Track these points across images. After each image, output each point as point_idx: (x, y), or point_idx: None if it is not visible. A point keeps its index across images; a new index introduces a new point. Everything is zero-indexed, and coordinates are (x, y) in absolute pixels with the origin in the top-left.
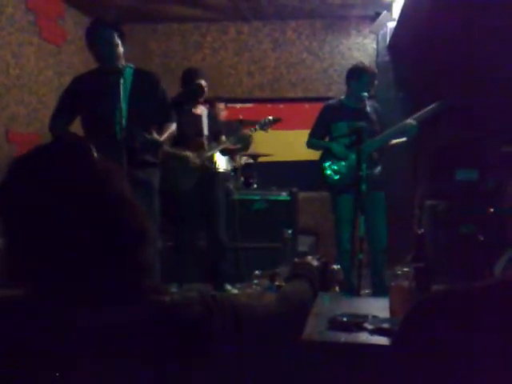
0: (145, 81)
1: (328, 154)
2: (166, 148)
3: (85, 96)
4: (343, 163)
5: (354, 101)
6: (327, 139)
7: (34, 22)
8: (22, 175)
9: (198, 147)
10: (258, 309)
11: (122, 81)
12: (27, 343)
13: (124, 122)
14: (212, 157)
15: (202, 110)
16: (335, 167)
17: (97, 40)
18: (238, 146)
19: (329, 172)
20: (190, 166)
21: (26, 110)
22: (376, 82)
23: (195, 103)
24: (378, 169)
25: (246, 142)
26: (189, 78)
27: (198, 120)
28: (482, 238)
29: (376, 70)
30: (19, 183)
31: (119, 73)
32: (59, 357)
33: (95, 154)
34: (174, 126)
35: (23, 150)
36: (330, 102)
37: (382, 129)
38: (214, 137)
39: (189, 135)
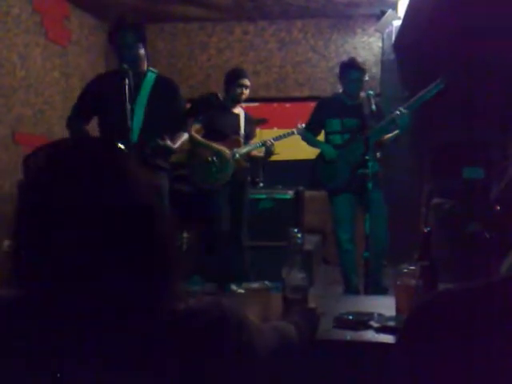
0: (165, 87)
1: (320, 156)
2: (201, 139)
3: (100, 97)
4: (334, 165)
5: (348, 97)
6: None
7: (40, 22)
8: (55, 174)
9: (235, 144)
10: (266, 333)
11: (126, 82)
12: (37, 341)
13: (139, 125)
14: (246, 154)
15: (239, 111)
16: (327, 170)
17: (118, 42)
18: (262, 154)
19: (322, 175)
20: (223, 160)
21: (32, 111)
22: (366, 78)
23: (235, 104)
24: (374, 167)
25: (270, 153)
26: (231, 78)
27: (236, 119)
28: (488, 237)
29: (365, 66)
30: (51, 181)
31: (124, 75)
32: (63, 358)
33: (129, 159)
34: (186, 136)
35: (29, 152)
36: (326, 96)
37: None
38: (247, 138)
39: (227, 132)
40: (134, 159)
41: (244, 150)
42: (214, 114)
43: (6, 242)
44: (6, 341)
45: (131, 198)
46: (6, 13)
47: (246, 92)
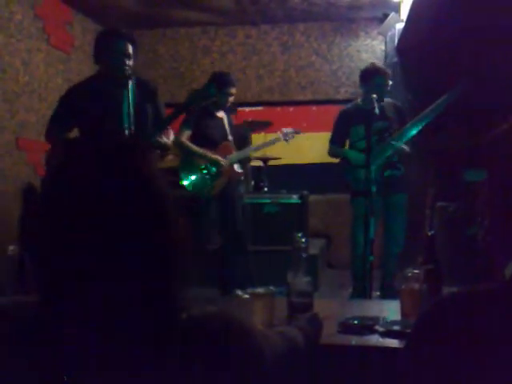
0: (145, 90)
1: (348, 162)
2: (195, 147)
3: (88, 105)
4: (362, 168)
5: (370, 103)
6: (347, 144)
7: (42, 28)
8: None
9: (227, 150)
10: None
11: (125, 92)
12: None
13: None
14: (240, 160)
15: (222, 115)
16: (356, 173)
17: (109, 50)
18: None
19: (351, 178)
20: (219, 169)
21: (35, 117)
22: (390, 83)
23: (219, 109)
24: (399, 169)
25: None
26: (218, 85)
27: (222, 123)
28: (492, 240)
29: (389, 71)
30: (69, 181)
31: (125, 85)
32: (67, 363)
33: (154, 164)
34: (172, 134)
35: (33, 157)
36: (346, 107)
37: (402, 126)
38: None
39: (216, 138)
40: (154, 162)
41: (236, 156)
42: (200, 119)
43: (11, 247)
44: (12, 345)
45: (151, 203)
46: (9, 19)
47: (231, 99)
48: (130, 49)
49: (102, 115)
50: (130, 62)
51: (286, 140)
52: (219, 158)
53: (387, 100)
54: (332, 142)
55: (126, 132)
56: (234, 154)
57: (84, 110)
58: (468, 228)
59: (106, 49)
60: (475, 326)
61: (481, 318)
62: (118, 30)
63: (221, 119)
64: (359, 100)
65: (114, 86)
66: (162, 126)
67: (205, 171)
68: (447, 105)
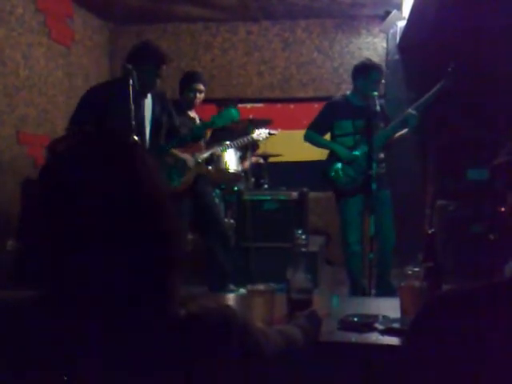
0: (162, 101)
1: (334, 157)
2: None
3: (108, 108)
4: (350, 166)
5: (361, 98)
6: (328, 136)
7: (43, 22)
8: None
9: (196, 148)
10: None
11: (145, 101)
12: (41, 345)
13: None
14: (207, 158)
15: (194, 115)
16: (343, 170)
17: (145, 67)
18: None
19: (337, 175)
20: (185, 167)
21: (35, 111)
22: (383, 81)
23: (190, 108)
24: (383, 167)
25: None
26: (185, 82)
27: (193, 123)
28: (492, 238)
29: (384, 68)
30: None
31: (128, 75)
32: (68, 360)
33: (146, 157)
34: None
35: (34, 152)
36: (335, 98)
37: (386, 122)
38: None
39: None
40: (149, 154)
41: (205, 154)
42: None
43: (10, 242)
44: (11, 343)
45: (143, 194)
46: (10, 12)
47: (201, 96)
48: (163, 69)
49: (119, 119)
50: (158, 82)
51: (259, 140)
52: (185, 155)
53: (370, 97)
54: (312, 128)
55: (145, 138)
56: (204, 153)
57: (103, 112)
58: (471, 226)
59: (141, 65)
60: (472, 323)
61: (478, 315)
62: (164, 54)
63: (193, 119)
64: (348, 92)
65: (127, 79)
66: (179, 140)
67: (173, 169)
68: (432, 101)
